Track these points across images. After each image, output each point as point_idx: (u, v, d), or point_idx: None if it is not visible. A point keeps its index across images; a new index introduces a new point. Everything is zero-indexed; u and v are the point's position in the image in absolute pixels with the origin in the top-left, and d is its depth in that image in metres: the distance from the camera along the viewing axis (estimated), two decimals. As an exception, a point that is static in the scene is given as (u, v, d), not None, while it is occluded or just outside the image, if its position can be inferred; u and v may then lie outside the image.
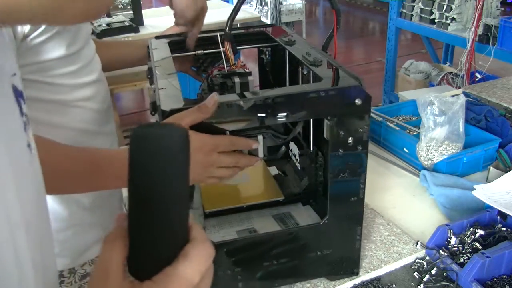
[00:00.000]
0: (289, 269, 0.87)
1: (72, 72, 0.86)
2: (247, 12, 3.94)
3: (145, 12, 3.56)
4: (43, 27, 0.77)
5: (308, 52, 0.88)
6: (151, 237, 0.36)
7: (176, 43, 1.05)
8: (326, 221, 0.84)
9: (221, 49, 0.92)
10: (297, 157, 1.02)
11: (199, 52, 1.05)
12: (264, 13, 4.91)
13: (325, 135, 0.80)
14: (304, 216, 0.94)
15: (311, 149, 0.92)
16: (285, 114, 0.73)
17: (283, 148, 1.08)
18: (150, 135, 0.34)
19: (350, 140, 0.77)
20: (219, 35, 0.92)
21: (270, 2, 4.79)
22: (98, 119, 0.93)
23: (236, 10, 0.84)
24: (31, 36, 0.76)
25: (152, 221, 0.36)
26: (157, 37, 1.07)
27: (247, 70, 0.92)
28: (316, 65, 0.83)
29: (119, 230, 0.38)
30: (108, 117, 0.98)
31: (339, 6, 0.88)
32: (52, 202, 0.89)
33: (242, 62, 0.95)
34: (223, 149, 0.74)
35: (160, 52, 0.96)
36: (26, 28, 0.74)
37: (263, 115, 0.72)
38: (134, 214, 0.36)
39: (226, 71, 0.93)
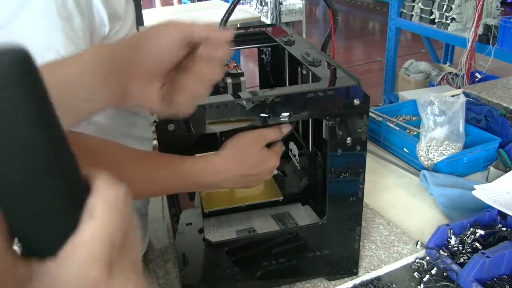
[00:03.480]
0: (288, 269, 0.87)
1: None
2: (247, 12, 3.94)
3: (145, 12, 3.56)
4: (118, 27, 0.77)
5: (307, 52, 0.88)
6: (30, 208, 0.27)
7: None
8: (325, 221, 0.84)
9: None
10: (297, 157, 1.02)
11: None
12: (264, 13, 4.91)
13: (324, 135, 0.80)
14: (303, 216, 0.94)
15: (310, 149, 0.92)
16: (283, 114, 0.73)
17: (283, 148, 1.08)
18: None
19: (348, 140, 0.77)
20: None
21: (270, 2, 4.79)
22: (124, 119, 0.91)
23: (230, 12, 0.84)
24: (110, 36, 0.76)
25: (20, 189, 0.27)
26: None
27: (239, 71, 0.92)
28: (315, 65, 0.83)
29: None
30: (135, 120, 0.95)
31: (335, 6, 0.88)
32: None
33: (235, 62, 0.95)
34: (272, 140, 0.75)
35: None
36: (106, 29, 0.74)
37: (261, 115, 0.72)
38: None
39: None
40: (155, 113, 0.59)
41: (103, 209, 0.29)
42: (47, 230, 0.28)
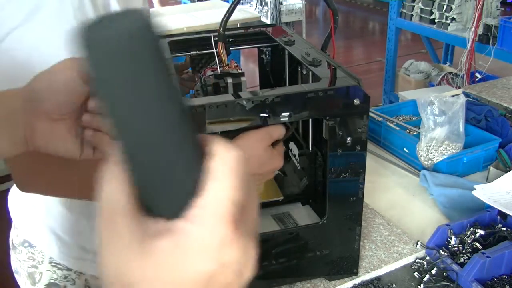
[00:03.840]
0: (288, 269, 0.87)
1: None
2: (247, 12, 3.94)
3: (145, 12, 3.55)
4: None
5: (307, 52, 0.88)
6: (154, 165, 0.28)
7: (175, 42, 1.05)
8: (325, 221, 0.84)
9: (214, 50, 0.92)
10: (297, 157, 1.02)
11: (194, 52, 1.05)
12: (264, 13, 4.91)
13: (324, 135, 0.80)
14: (303, 216, 0.94)
15: (311, 149, 0.92)
16: (283, 114, 0.73)
17: (283, 148, 1.08)
18: (106, 39, 0.26)
19: (348, 140, 0.77)
20: (213, 35, 0.92)
21: (270, 2, 4.79)
22: None
23: (230, 12, 0.84)
24: None
25: (149, 146, 0.28)
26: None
27: (240, 71, 0.92)
28: (315, 65, 0.83)
29: (116, 159, 0.29)
30: None
31: (335, 6, 0.88)
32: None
33: (235, 62, 0.95)
34: (277, 138, 0.75)
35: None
36: None
37: (261, 115, 0.72)
38: (125, 143, 0.28)
39: (219, 71, 0.93)
40: (74, 156, 0.54)
41: (225, 171, 0.29)
42: (173, 190, 0.29)
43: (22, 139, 0.49)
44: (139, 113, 0.27)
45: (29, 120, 0.49)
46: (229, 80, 0.90)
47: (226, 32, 1.04)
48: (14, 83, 0.53)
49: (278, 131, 0.75)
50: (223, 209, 0.28)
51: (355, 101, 0.74)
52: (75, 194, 0.75)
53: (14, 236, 0.96)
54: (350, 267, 0.90)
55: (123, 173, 0.29)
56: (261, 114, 0.72)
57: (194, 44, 1.05)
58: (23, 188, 0.69)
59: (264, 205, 0.97)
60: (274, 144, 0.76)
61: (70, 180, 0.69)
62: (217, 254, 0.28)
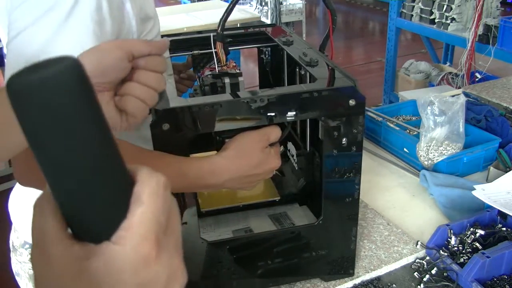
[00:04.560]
0: (284, 269, 0.87)
1: None
2: (247, 12, 3.94)
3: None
4: (150, 26, 0.77)
5: (305, 52, 0.88)
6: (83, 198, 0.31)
7: (175, 42, 1.05)
8: (320, 222, 0.83)
9: (213, 50, 0.92)
10: (295, 157, 1.02)
11: (195, 52, 1.05)
12: (264, 13, 4.91)
13: (320, 136, 0.80)
14: (300, 216, 0.94)
15: (308, 149, 0.92)
16: (279, 114, 0.73)
17: (281, 148, 1.08)
18: (29, 88, 0.28)
19: (344, 140, 0.76)
20: (212, 35, 0.92)
21: (270, 2, 4.79)
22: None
23: (228, 11, 0.84)
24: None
25: (74, 185, 0.30)
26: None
27: (238, 71, 0.92)
28: (312, 66, 0.83)
29: (47, 192, 0.32)
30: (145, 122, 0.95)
31: (334, 6, 0.88)
32: None
33: (234, 62, 0.95)
34: (275, 139, 0.75)
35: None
36: (134, 36, 0.74)
37: (257, 115, 0.72)
38: (50, 174, 0.30)
39: (217, 71, 0.93)
40: (114, 128, 0.59)
41: (149, 195, 0.32)
42: (101, 217, 0.31)
43: None
44: (64, 150, 0.29)
45: None
46: (227, 80, 0.90)
47: (226, 32, 1.04)
48: None
49: (275, 132, 0.75)
50: (146, 230, 0.31)
51: (350, 101, 0.74)
52: None
53: (15, 238, 0.96)
54: (346, 268, 0.90)
55: (53, 202, 0.31)
56: (252, 115, 0.72)
57: (195, 43, 1.05)
58: (23, 181, 0.69)
59: (262, 205, 0.97)
60: (271, 144, 0.76)
61: None
62: (142, 271, 0.31)
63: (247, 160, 0.72)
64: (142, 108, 0.60)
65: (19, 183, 0.71)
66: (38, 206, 0.32)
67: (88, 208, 0.31)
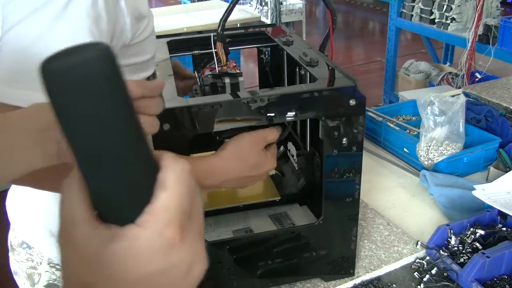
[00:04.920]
0: (285, 269, 0.87)
1: (147, 77, 0.86)
2: (247, 12, 3.94)
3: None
4: (144, 25, 0.77)
5: (305, 52, 0.88)
6: (110, 180, 0.31)
7: (175, 42, 1.05)
8: (321, 222, 0.83)
9: (213, 50, 0.92)
10: (295, 157, 1.02)
11: (196, 52, 1.05)
12: (264, 13, 4.91)
13: (320, 136, 0.80)
14: (300, 216, 0.94)
15: (308, 149, 0.92)
16: (280, 114, 0.73)
17: (281, 148, 1.08)
18: (66, 71, 0.28)
19: (344, 141, 0.76)
20: (212, 35, 0.92)
21: (270, 2, 4.79)
22: None
23: (229, 11, 0.84)
24: (134, 39, 0.76)
25: (105, 165, 0.31)
26: (156, 37, 1.06)
27: (238, 71, 0.92)
28: (312, 66, 0.83)
29: (75, 173, 0.33)
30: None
31: (334, 6, 0.88)
32: None
33: (234, 62, 0.95)
34: (272, 141, 0.75)
35: (158, 52, 0.96)
36: (128, 34, 0.74)
37: (258, 115, 0.72)
38: (83, 159, 0.31)
39: (217, 71, 0.93)
40: None
41: (173, 181, 0.33)
42: (127, 200, 0.32)
43: (55, 152, 0.51)
44: (96, 134, 0.30)
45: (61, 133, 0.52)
46: (227, 80, 0.90)
47: (226, 32, 1.04)
48: (16, 75, 0.53)
49: (273, 134, 0.75)
50: (170, 215, 0.32)
51: (351, 101, 0.74)
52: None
53: (13, 238, 0.96)
54: (347, 268, 0.90)
55: (81, 185, 0.32)
56: (252, 115, 0.72)
57: (195, 43, 1.05)
58: (15, 181, 0.68)
59: (262, 205, 0.97)
60: (267, 145, 0.76)
61: (61, 173, 0.68)
62: (165, 255, 0.32)
63: (244, 162, 0.73)
64: None
65: (12, 183, 0.70)
66: (66, 187, 0.33)
67: (115, 191, 0.32)
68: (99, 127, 0.30)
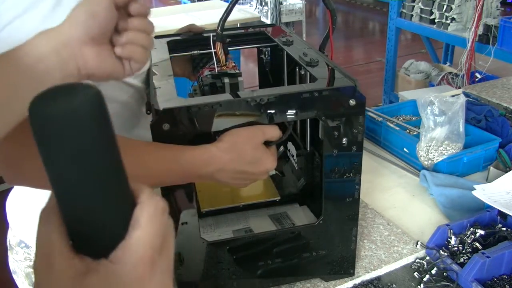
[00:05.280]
0: (284, 269, 0.87)
1: (140, 74, 0.86)
2: (247, 12, 3.94)
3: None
4: None
5: (305, 52, 0.88)
6: (88, 215, 0.33)
7: (175, 42, 1.05)
8: (321, 222, 0.83)
9: (212, 50, 0.92)
10: (295, 157, 1.02)
11: (195, 52, 1.05)
12: (264, 13, 4.91)
13: (320, 136, 0.80)
14: (300, 216, 0.94)
15: (308, 149, 0.92)
16: (280, 114, 0.73)
17: (281, 148, 1.08)
18: (52, 116, 0.30)
19: (344, 140, 0.76)
20: (212, 35, 0.92)
21: (270, 2, 4.79)
22: (128, 119, 0.91)
23: (228, 11, 0.84)
24: None
25: (84, 200, 0.33)
26: (156, 37, 1.07)
27: (237, 71, 0.92)
28: (312, 66, 0.83)
29: (53, 202, 0.34)
30: (139, 120, 0.95)
31: (334, 6, 0.88)
32: None
33: (234, 62, 0.95)
34: (270, 137, 0.75)
35: (158, 52, 0.96)
36: None
37: (258, 115, 0.72)
38: (60, 193, 0.33)
39: (216, 71, 0.93)
40: (119, 77, 0.62)
41: (146, 219, 0.34)
42: (102, 235, 0.34)
43: (75, 69, 0.56)
44: (76, 173, 0.31)
45: (78, 48, 0.56)
46: (226, 80, 0.90)
47: (226, 32, 1.04)
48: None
49: (271, 131, 0.74)
50: (142, 252, 0.33)
51: (351, 101, 0.74)
52: None
53: (11, 237, 0.96)
54: (347, 268, 0.90)
55: (58, 216, 0.34)
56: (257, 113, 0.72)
57: (196, 43, 1.05)
58: (10, 179, 0.68)
59: (262, 205, 0.97)
60: (267, 145, 0.76)
61: None
62: None
63: (240, 153, 0.72)
64: (145, 54, 0.63)
65: (7, 182, 0.70)
66: (44, 216, 0.34)
67: (91, 225, 0.33)
68: (81, 169, 0.31)
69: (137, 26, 0.61)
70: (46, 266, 0.33)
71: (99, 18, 0.57)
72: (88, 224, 0.33)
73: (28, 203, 0.90)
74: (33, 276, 0.93)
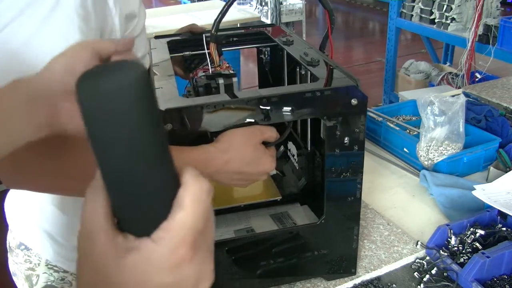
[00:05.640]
0: (286, 269, 0.87)
1: None
2: (247, 12, 3.94)
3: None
4: (134, 24, 0.76)
5: (305, 52, 0.88)
6: (132, 192, 0.33)
7: (175, 42, 1.05)
8: (323, 221, 0.84)
9: (206, 51, 0.92)
10: (295, 157, 1.02)
11: (186, 53, 1.05)
12: (264, 13, 4.91)
13: (321, 135, 0.80)
14: (301, 216, 0.94)
15: (309, 149, 0.92)
16: (281, 114, 0.73)
17: (282, 148, 1.08)
18: (106, 91, 0.30)
19: (346, 140, 0.77)
20: (205, 36, 0.92)
21: (270, 2, 4.79)
22: None
23: (223, 13, 0.84)
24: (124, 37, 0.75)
25: (127, 177, 0.33)
26: (156, 37, 1.07)
27: (231, 72, 0.92)
28: (313, 65, 0.83)
29: (99, 182, 0.34)
30: None
31: (331, 6, 0.88)
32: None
33: (227, 63, 0.95)
34: (269, 137, 0.74)
35: (159, 52, 0.96)
36: (117, 34, 0.73)
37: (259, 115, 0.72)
38: (107, 171, 0.33)
39: (210, 72, 0.92)
40: None
41: (191, 201, 0.34)
42: (146, 214, 0.34)
43: (45, 121, 0.52)
44: (123, 152, 0.31)
45: (52, 101, 0.52)
46: (221, 81, 0.90)
47: (226, 32, 1.04)
48: (7, 76, 0.52)
49: (270, 130, 0.74)
50: (184, 234, 0.33)
51: (352, 101, 0.74)
52: (61, 188, 0.73)
53: (11, 239, 0.96)
54: (348, 267, 0.90)
55: (104, 195, 0.34)
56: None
57: (196, 43, 1.05)
58: (9, 183, 0.68)
59: (263, 205, 0.97)
60: (267, 145, 0.76)
61: (56, 172, 0.67)
62: (176, 270, 0.34)
63: (239, 153, 0.71)
64: None
65: (5, 186, 0.70)
66: (90, 193, 0.34)
67: (136, 204, 0.33)
68: (129, 148, 0.31)
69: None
70: (89, 244, 0.33)
71: (77, 74, 0.54)
72: (133, 202, 0.33)
73: (27, 205, 0.90)
74: (33, 278, 0.94)
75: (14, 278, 1.00)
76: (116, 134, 0.31)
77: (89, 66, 0.53)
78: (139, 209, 0.34)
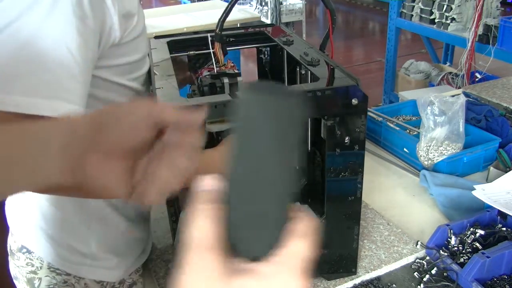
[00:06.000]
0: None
1: (139, 77, 0.85)
2: (247, 12, 3.94)
3: (145, 12, 3.55)
4: (133, 23, 0.76)
5: (305, 52, 0.88)
6: (259, 212, 0.33)
7: (175, 42, 1.05)
8: (323, 221, 0.83)
9: (211, 50, 0.92)
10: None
11: (191, 52, 1.05)
12: (264, 13, 4.91)
13: (322, 135, 0.80)
14: (303, 216, 0.94)
15: (309, 148, 0.92)
16: None
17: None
18: (269, 106, 0.30)
19: (347, 139, 0.76)
20: (210, 36, 0.92)
21: (270, 2, 4.79)
22: None
23: (227, 12, 0.84)
24: (124, 38, 0.75)
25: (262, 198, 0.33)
26: (156, 37, 1.07)
27: (236, 71, 0.92)
28: (313, 65, 0.83)
29: (212, 195, 0.34)
30: None
31: (333, 6, 0.88)
32: (113, 215, 0.88)
33: (232, 63, 0.95)
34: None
35: (158, 52, 0.96)
36: (117, 34, 0.73)
37: None
38: (235, 192, 0.33)
39: (215, 71, 0.92)
40: (120, 196, 0.49)
41: (307, 232, 0.35)
42: (262, 240, 0.34)
43: (71, 169, 0.46)
44: (257, 178, 0.32)
45: (88, 148, 0.46)
46: (226, 80, 0.90)
47: (226, 32, 1.04)
48: (9, 75, 0.52)
49: None
50: (299, 263, 0.34)
51: (353, 100, 0.74)
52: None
53: (12, 242, 0.95)
54: (349, 267, 0.90)
55: (217, 214, 0.33)
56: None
57: (196, 43, 1.05)
58: None
59: None
60: None
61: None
62: None
63: None
64: (162, 196, 0.50)
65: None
66: (205, 209, 0.34)
67: (255, 229, 0.34)
68: (267, 170, 0.31)
69: (175, 164, 0.47)
70: (198, 261, 0.33)
71: (126, 130, 0.46)
72: (249, 226, 0.34)
73: (28, 208, 0.89)
74: (34, 282, 0.93)
75: (16, 282, 1.00)
76: (263, 151, 0.31)
77: (139, 127, 0.47)
78: (253, 234, 0.34)
